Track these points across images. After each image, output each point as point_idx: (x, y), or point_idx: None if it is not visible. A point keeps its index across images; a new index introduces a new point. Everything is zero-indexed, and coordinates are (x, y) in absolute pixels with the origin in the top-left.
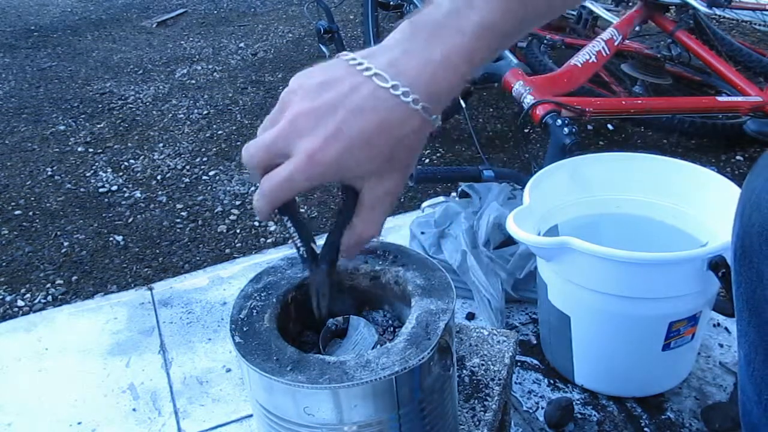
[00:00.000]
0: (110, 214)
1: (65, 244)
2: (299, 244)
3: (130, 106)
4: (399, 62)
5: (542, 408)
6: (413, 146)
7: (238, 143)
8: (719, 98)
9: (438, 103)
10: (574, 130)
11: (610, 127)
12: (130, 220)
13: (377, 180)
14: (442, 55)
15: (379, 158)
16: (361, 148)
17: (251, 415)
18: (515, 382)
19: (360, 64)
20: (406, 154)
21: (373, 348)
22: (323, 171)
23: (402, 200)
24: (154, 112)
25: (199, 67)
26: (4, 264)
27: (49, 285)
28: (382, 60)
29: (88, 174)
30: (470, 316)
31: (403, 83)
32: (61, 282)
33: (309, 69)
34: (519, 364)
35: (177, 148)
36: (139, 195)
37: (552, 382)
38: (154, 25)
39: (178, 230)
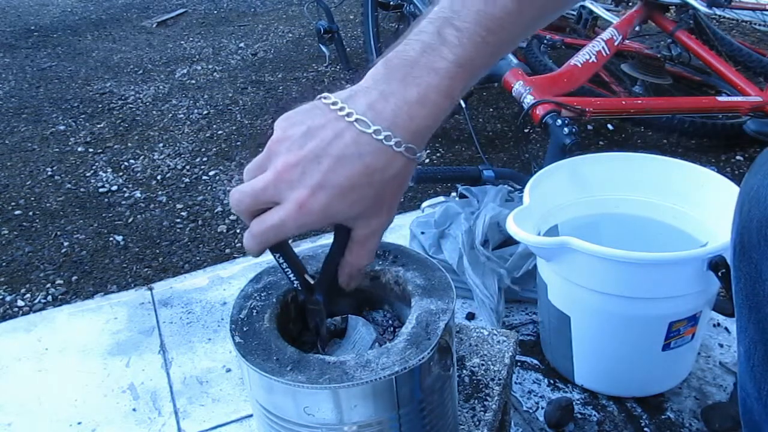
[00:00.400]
0: (110, 214)
1: (65, 244)
2: (293, 278)
3: (130, 106)
4: (377, 105)
5: (542, 408)
6: (400, 185)
7: (238, 143)
8: (719, 98)
9: (421, 140)
10: (574, 130)
11: (610, 127)
12: (130, 220)
13: (367, 219)
14: (419, 95)
15: (367, 202)
16: (347, 195)
17: (251, 415)
18: (515, 382)
19: (341, 108)
20: (393, 193)
21: (371, 347)
22: (313, 219)
23: (402, 200)
24: (154, 112)
25: (199, 67)
26: (4, 264)
27: (49, 285)
28: (361, 103)
29: (88, 174)
30: (470, 316)
31: (384, 127)
32: (61, 282)
33: (292, 113)
34: (519, 364)
35: (177, 148)
36: (139, 195)
37: (552, 382)
38: (154, 25)
39: (178, 230)
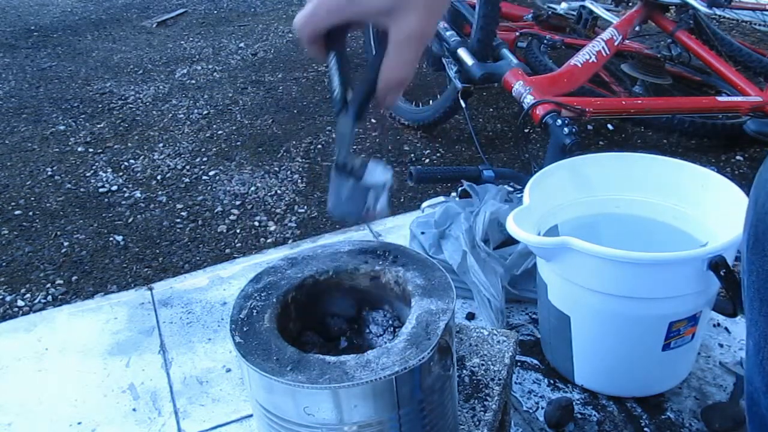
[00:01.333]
0: (110, 214)
1: (65, 244)
2: (336, 84)
3: (130, 106)
4: None
5: (542, 408)
6: None
7: (238, 143)
8: (719, 98)
9: None
10: (574, 130)
11: (610, 127)
12: (130, 220)
13: (400, 19)
14: None
15: None
16: None
17: (251, 415)
18: (515, 382)
19: None
20: None
21: (383, 188)
22: (338, 5)
23: (402, 200)
24: (154, 112)
25: (199, 67)
26: (4, 264)
27: (49, 285)
28: None
29: (88, 174)
30: (470, 316)
31: None
32: (61, 282)
33: None
34: (519, 364)
35: (177, 148)
36: (139, 195)
37: (552, 382)
38: (154, 25)
39: (178, 230)
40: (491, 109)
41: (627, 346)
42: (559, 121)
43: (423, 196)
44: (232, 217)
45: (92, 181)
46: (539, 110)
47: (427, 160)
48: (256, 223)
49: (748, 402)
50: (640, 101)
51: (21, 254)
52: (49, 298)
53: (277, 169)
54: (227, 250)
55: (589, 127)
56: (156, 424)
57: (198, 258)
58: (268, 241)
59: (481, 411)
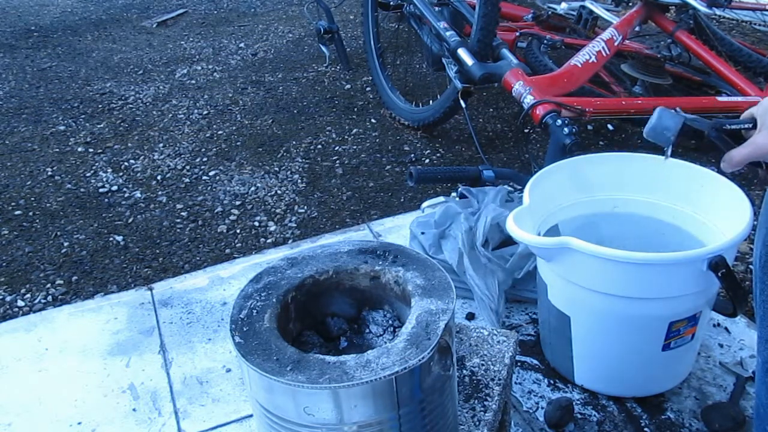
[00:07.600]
0: (110, 214)
1: (65, 244)
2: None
3: (130, 106)
4: None
5: (542, 408)
6: None
7: (238, 143)
8: (719, 98)
9: None
10: (574, 130)
11: (610, 127)
12: (130, 220)
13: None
14: None
15: None
16: None
17: (251, 415)
18: (515, 382)
19: None
20: None
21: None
22: None
23: (402, 200)
24: (154, 113)
25: (199, 68)
26: (4, 264)
27: (49, 285)
28: None
29: (88, 174)
30: (470, 316)
31: None
32: (61, 282)
33: None
34: (519, 364)
35: (177, 148)
36: (139, 195)
37: (552, 382)
38: (154, 26)
39: (178, 230)
40: (491, 109)
41: (627, 346)
42: (559, 121)
43: (423, 196)
44: (232, 218)
45: (92, 181)
46: (539, 110)
47: (427, 160)
48: (256, 223)
49: (755, 416)
50: (640, 101)
51: (21, 254)
52: (49, 298)
53: (277, 169)
54: (227, 250)
55: (589, 127)
56: (156, 424)
57: (198, 258)
58: (268, 241)
59: (481, 411)
